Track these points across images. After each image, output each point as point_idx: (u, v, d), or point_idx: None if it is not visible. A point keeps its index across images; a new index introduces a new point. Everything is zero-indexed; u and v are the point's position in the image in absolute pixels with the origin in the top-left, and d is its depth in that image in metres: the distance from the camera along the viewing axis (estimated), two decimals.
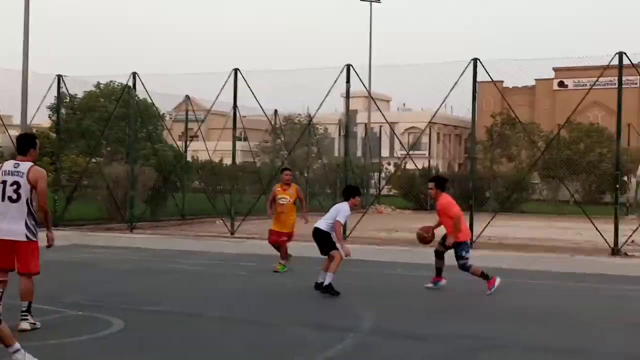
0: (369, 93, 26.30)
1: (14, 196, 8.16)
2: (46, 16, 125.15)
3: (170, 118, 45.30)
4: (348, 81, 20.18)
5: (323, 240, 11.33)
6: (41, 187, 8.26)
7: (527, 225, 28.20)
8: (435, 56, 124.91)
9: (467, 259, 11.49)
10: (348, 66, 20.19)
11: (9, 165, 8.39)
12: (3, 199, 8.25)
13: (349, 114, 21.80)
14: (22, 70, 21.90)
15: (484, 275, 11.51)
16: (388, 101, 76.25)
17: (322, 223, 11.37)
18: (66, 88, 23.29)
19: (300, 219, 14.12)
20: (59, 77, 22.80)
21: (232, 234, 21.44)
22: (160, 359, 7.52)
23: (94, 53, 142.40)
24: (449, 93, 19.68)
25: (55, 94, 24.03)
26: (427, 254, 17.52)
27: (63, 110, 29.06)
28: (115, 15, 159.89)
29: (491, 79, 19.75)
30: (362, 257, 15.74)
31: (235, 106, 21.69)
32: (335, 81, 20.17)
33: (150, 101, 26.20)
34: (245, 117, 38.09)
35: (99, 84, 36.18)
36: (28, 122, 23.25)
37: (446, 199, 11.70)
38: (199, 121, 27.04)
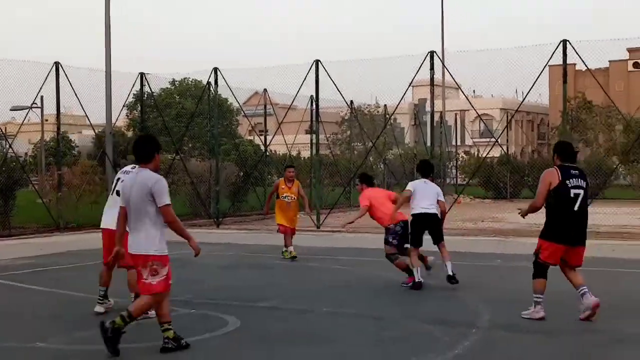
0: (454, 80, 25.76)
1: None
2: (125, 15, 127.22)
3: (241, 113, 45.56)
4: (432, 68, 19.78)
5: (440, 226, 10.95)
6: None
7: (614, 212, 27.34)
8: (497, 41, 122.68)
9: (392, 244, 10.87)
10: (431, 53, 19.80)
11: (127, 167, 8.98)
12: (112, 193, 9.03)
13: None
14: (106, 70, 22.04)
15: (408, 270, 10.87)
16: (457, 88, 75.22)
17: (433, 207, 10.82)
18: (149, 86, 23.44)
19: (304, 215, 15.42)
20: (142, 74, 22.94)
21: (318, 227, 21.27)
22: (289, 356, 7.36)
23: (170, 49, 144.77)
24: (537, 78, 19.18)
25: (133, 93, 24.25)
26: (520, 244, 17.10)
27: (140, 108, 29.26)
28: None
29: (582, 61, 19.17)
30: (457, 248, 15.34)
31: (317, 99, 21.49)
32: (419, 68, 19.84)
33: (226, 96, 26.23)
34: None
35: (174, 81, 36.60)
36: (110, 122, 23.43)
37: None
38: (276, 115, 27.06)
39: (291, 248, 14.78)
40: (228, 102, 34.99)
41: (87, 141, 55.89)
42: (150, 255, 7.18)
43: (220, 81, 22.99)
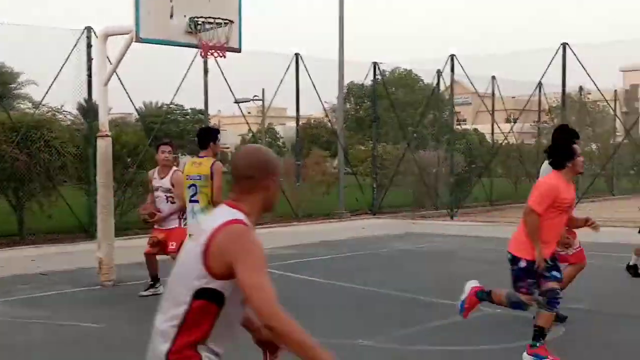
0: None
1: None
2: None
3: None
4: None
5: None
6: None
7: None
8: None
9: None
10: None
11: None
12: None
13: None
14: (339, 59, 22.08)
15: None
16: None
17: None
18: (381, 74, 23.20)
19: None
20: (375, 64, 22.71)
21: None
22: None
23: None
24: None
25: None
26: None
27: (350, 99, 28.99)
28: None
29: None
30: None
31: (564, 85, 20.25)
32: None
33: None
34: (514, 97, 36.39)
35: (383, 71, 36.46)
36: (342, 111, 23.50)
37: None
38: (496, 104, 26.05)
39: None
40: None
41: (291, 132, 57.06)
42: None
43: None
